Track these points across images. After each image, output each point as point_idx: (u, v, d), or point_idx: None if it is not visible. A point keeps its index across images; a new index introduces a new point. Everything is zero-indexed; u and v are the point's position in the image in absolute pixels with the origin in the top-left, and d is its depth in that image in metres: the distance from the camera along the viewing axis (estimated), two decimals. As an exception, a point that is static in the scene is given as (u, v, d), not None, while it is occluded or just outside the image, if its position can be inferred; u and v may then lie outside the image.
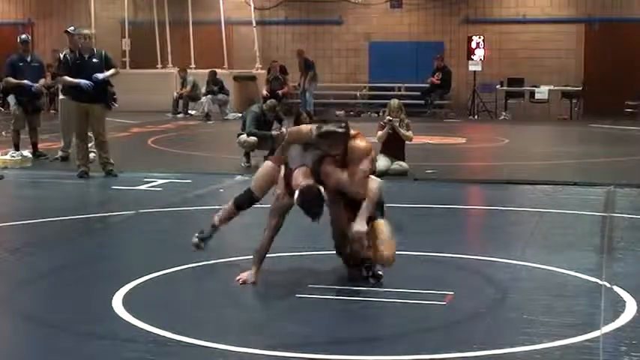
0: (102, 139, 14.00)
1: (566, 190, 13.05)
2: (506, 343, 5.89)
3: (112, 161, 14.04)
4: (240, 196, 7.82)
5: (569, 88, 28.82)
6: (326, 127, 7.19)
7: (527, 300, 7.10)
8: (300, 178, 7.16)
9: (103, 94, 13.85)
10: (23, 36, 16.74)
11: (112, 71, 13.96)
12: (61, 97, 16.04)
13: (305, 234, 8.58)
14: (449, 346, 5.87)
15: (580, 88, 28.57)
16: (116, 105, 14.40)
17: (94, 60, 13.90)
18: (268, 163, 7.80)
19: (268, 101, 16.76)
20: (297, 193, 7.08)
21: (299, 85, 28.34)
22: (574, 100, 28.74)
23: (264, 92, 26.65)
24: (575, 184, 13.41)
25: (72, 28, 16.07)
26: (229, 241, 7.31)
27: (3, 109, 25.04)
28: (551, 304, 6.94)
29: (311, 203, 7.04)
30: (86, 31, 14.17)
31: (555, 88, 28.82)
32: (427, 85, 28.60)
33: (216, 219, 7.94)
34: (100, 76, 13.72)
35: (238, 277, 7.23)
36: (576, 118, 28.29)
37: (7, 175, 14.17)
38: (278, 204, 7.29)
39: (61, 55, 16.03)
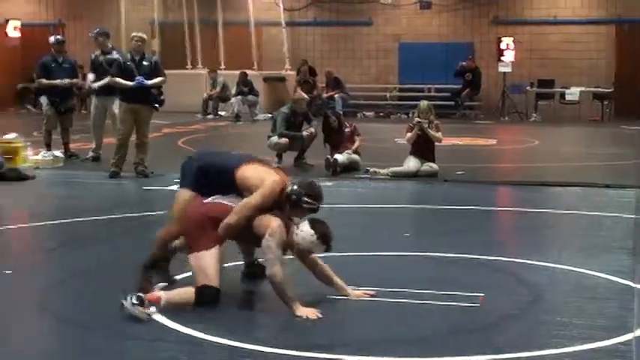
0: (144, 141, 14.13)
1: (598, 192, 12.97)
2: (538, 345, 5.87)
3: (146, 164, 14.12)
4: None
5: (599, 89, 28.66)
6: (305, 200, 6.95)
7: (559, 302, 7.06)
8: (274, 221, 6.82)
9: (150, 96, 13.99)
10: (58, 37, 16.85)
11: (158, 79, 14.09)
12: (92, 97, 16.15)
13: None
14: (479, 348, 5.85)
15: (611, 90, 28.41)
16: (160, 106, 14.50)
17: (145, 63, 14.08)
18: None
19: (295, 94, 16.75)
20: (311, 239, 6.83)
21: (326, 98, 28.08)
22: (605, 102, 28.58)
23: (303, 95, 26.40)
24: (606, 186, 13.33)
25: (96, 30, 16.28)
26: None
27: (35, 110, 25.25)
28: (584, 306, 6.91)
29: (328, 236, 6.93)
30: (140, 35, 14.30)
31: (586, 89, 28.66)
32: (457, 87, 28.53)
33: None
34: (146, 82, 13.86)
35: (301, 315, 6.60)
36: (607, 120, 28.14)
37: (38, 175, 14.26)
38: (278, 238, 6.72)
39: (93, 56, 16.18)
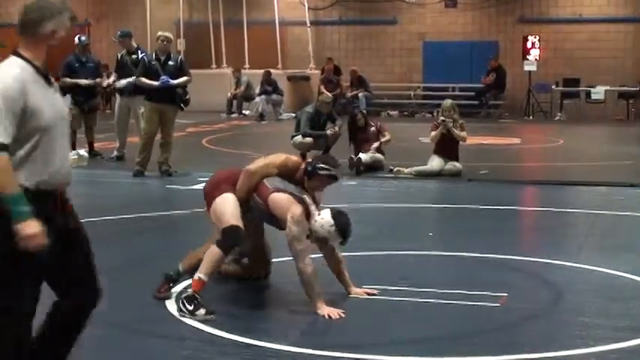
0: (168, 140, 14.17)
1: (622, 191, 12.91)
2: (561, 345, 5.85)
3: (170, 163, 14.16)
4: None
5: (625, 88, 28.50)
6: (323, 167, 7.01)
7: (582, 302, 7.04)
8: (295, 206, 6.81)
9: (175, 96, 14.03)
10: (82, 38, 16.93)
11: (184, 79, 14.13)
12: (117, 97, 16.21)
13: (354, 235, 8.56)
14: (503, 348, 5.84)
15: (637, 89, 28.23)
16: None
17: (170, 63, 14.13)
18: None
19: (322, 96, 16.75)
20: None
21: (350, 95, 28.10)
22: (630, 101, 28.43)
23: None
24: (631, 185, 13.27)
25: (118, 34, 16.42)
26: (282, 242, 7.31)
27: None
28: (607, 306, 6.88)
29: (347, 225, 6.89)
30: (166, 34, 14.35)
31: (611, 88, 28.52)
32: (482, 86, 28.48)
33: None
34: (172, 81, 13.91)
35: (322, 314, 6.61)
36: (633, 119, 27.98)
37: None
38: (302, 227, 6.73)
39: (119, 56, 16.26)
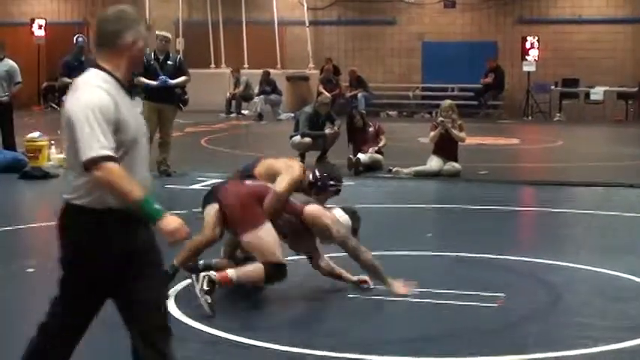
0: (167, 140, 14.16)
1: (621, 192, 12.92)
2: (558, 346, 5.85)
3: (168, 163, 14.15)
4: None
5: (624, 88, 28.49)
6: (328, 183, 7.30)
7: (581, 303, 7.04)
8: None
9: (174, 96, 14.03)
10: (80, 39, 16.94)
11: (182, 79, 14.14)
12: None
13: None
14: (501, 349, 5.84)
15: (636, 89, 28.22)
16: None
17: (169, 62, 14.12)
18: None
19: (321, 97, 16.75)
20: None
21: (349, 95, 28.10)
22: (629, 101, 28.42)
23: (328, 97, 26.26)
24: (630, 186, 13.27)
25: None
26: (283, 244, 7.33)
27: (59, 108, 25.37)
28: (605, 307, 6.88)
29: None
30: (165, 34, 14.35)
31: (611, 88, 28.51)
32: (480, 86, 28.47)
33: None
34: (170, 81, 13.90)
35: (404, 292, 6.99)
36: (632, 120, 27.98)
37: (62, 174, 14.31)
38: (345, 228, 7.06)
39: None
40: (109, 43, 4.25)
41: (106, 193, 4.04)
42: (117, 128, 4.07)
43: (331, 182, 7.25)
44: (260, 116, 26.88)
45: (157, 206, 4.07)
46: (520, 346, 5.87)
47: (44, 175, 13.88)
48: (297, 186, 7.13)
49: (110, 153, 3.98)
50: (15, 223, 10.46)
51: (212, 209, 7.10)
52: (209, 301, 6.46)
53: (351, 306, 6.79)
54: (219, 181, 8.12)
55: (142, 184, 4.10)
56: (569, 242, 9.57)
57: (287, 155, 15.50)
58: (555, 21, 29.58)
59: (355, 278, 7.19)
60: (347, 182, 13.15)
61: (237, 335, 6.05)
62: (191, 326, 6.26)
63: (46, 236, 10.14)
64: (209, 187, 12.12)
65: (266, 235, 6.78)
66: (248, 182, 7.14)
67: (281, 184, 6.95)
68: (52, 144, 15.22)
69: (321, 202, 7.23)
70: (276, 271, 6.70)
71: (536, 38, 28.49)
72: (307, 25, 30.43)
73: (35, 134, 14.76)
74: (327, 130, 15.23)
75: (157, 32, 14.51)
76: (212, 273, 6.60)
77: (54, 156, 15.15)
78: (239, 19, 30.45)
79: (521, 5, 29.82)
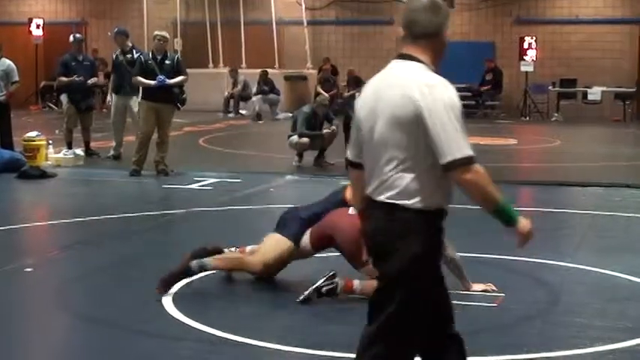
0: (165, 139, 14.13)
1: (619, 192, 12.91)
2: (557, 346, 5.85)
3: (166, 162, 14.14)
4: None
5: (622, 89, 28.51)
6: None
7: (579, 303, 7.04)
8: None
9: (172, 95, 14.01)
10: (77, 35, 16.91)
11: (180, 78, 14.11)
12: (113, 96, 16.18)
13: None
14: (499, 349, 5.84)
15: (634, 90, 28.25)
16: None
17: (167, 62, 14.08)
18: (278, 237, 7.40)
19: (319, 97, 16.75)
20: None
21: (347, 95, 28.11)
22: (627, 102, 28.44)
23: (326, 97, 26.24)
24: (627, 186, 13.27)
25: (115, 30, 16.40)
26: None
27: (56, 108, 25.34)
28: (604, 307, 6.88)
29: None
30: (163, 33, 14.33)
31: (608, 89, 28.52)
32: (478, 86, 28.48)
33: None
34: (168, 81, 13.88)
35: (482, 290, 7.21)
36: (629, 120, 27.99)
37: (60, 174, 14.32)
38: None
39: (114, 56, 16.23)
40: (432, 36, 4.19)
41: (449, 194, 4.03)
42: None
43: None
44: (258, 116, 26.85)
45: (513, 207, 3.95)
46: (519, 346, 5.87)
47: (42, 175, 13.86)
48: None
49: (473, 154, 3.89)
50: (13, 222, 10.44)
51: (282, 242, 7.28)
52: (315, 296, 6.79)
53: (352, 306, 6.78)
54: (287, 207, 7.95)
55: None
56: (567, 242, 9.57)
57: (287, 155, 15.57)
58: (553, 21, 29.59)
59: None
60: (345, 182, 13.19)
61: (235, 334, 6.05)
62: (191, 326, 6.26)
63: (44, 235, 10.17)
64: (208, 187, 12.11)
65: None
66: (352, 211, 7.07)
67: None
68: (49, 143, 15.22)
69: None
70: None
71: (534, 38, 28.49)
72: (305, 25, 30.41)
73: (33, 133, 14.74)
74: (325, 130, 15.23)
75: (155, 32, 14.50)
76: (334, 284, 6.85)
77: (51, 155, 15.17)
78: (237, 18, 30.42)
79: (518, 5, 29.83)
